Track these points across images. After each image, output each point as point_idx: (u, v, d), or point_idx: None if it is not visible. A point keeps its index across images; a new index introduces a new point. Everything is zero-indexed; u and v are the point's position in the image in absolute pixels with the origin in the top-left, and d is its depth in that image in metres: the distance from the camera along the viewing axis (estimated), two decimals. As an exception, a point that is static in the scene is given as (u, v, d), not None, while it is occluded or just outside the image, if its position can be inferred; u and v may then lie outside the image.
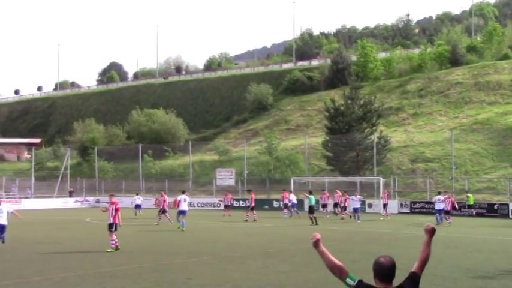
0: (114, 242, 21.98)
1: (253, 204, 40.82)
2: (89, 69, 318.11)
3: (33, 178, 70.79)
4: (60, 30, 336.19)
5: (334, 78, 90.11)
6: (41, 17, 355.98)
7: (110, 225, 22.44)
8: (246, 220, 39.07)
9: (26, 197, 65.07)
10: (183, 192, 34.48)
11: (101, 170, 76.16)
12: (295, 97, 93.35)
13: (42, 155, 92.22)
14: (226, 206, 46.82)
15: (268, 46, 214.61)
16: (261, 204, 53.33)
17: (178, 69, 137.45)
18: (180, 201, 33.18)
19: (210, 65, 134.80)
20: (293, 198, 45.07)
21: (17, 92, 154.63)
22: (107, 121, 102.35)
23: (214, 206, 56.90)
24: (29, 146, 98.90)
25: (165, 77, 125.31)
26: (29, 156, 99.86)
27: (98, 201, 63.10)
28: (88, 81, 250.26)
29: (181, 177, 71.31)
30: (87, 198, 67.29)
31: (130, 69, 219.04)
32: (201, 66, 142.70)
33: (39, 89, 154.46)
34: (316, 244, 5.87)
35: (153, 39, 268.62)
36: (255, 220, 38.92)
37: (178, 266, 18.05)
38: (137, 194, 51.17)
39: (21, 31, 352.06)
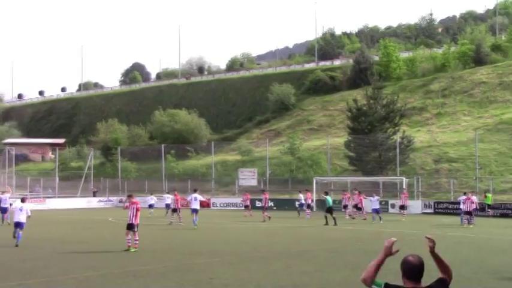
0: (136, 242, 21.97)
1: (266, 205, 41.20)
2: (112, 70, 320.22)
3: (57, 178, 71.34)
4: (84, 32, 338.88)
5: (356, 78, 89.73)
6: (65, 18, 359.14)
7: (131, 226, 22.31)
8: (264, 221, 39.09)
9: (48, 197, 65.58)
10: (195, 191, 35.38)
11: (124, 170, 76.58)
12: (317, 97, 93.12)
13: (66, 155, 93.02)
14: (246, 206, 46.39)
15: (290, 46, 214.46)
16: (283, 205, 53.33)
17: (201, 70, 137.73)
18: (191, 199, 34.60)
19: (232, 66, 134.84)
20: (301, 198, 45.99)
21: (41, 93, 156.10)
22: (129, 121, 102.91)
23: (236, 206, 56.88)
24: (53, 146, 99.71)
25: (188, 77, 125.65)
26: (53, 156, 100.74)
27: (121, 201, 63.43)
28: (111, 81, 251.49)
29: (203, 177, 71.43)
30: (110, 198, 67.72)
31: (153, 70, 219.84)
32: (223, 66, 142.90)
33: (63, 89, 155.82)
34: (388, 250, 5.72)
35: (175, 40, 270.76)
36: (264, 221, 38.97)
37: (201, 265, 18.06)
38: (151, 194, 52.49)
39: (45, 32, 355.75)
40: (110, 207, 63.64)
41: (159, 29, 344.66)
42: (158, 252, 21.84)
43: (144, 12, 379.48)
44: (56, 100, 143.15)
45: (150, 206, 47.71)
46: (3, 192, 40.71)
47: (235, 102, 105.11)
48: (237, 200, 57.82)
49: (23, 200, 26.67)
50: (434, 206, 49.28)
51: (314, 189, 50.92)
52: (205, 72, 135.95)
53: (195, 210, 33.66)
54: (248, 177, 63.58)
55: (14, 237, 24.62)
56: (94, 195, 68.37)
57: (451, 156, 62.01)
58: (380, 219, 37.86)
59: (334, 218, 34.92)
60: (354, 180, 56.05)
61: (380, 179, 55.54)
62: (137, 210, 22.45)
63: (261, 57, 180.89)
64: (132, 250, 21.68)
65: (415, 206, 49.74)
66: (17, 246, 23.52)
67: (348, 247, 22.26)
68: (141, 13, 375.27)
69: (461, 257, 19.86)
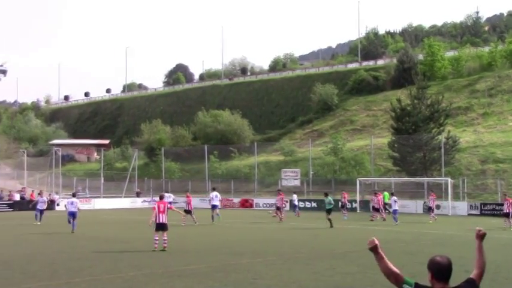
0: (164, 241, 22.04)
1: (280, 205, 41.19)
2: (156, 71, 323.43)
3: (102, 178, 72.40)
4: (128, 33, 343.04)
5: (400, 78, 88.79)
6: (110, 20, 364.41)
7: (162, 225, 22.29)
8: (281, 219, 39.41)
9: (94, 197, 66.58)
10: (214, 189, 40.30)
11: (168, 171, 77.28)
12: (360, 97, 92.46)
13: (111, 156, 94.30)
14: (278, 208, 42.64)
15: (333, 46, 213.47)
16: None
17: (244, 70, 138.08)
18: (212, 197, 38.99)
19: (275, 66, 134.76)
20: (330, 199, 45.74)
21: (86, 94, 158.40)
22: (173, 122, 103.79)
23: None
24: (99, 147, 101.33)
25: (230, 78, 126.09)
26: (98, 157, 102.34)
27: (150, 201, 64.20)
28: (155, 83, 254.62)
29: (246, 178, 71.64)
30: (154, 198, 68.40)
31: (196, 71, 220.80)
32: (266, 67, 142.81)
33: (107, 91, 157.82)
34: (374, 249, 5.65)
35: (218, 40, 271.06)
36: (280, 219, 39.28)
37: (244, 266, 18.15)
38: (166, 192, 53.85)
39: (91, 34, 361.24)
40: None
41: (202, 30, 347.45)
42: (201, 252, 22.00)
43: (187, 13, 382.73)
44: (100, 101, 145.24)
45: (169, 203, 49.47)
46: (40, 194, 41.91)
47: (278, 102, 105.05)
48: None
49: (74, 195, 34.74)
50: (481, 207, 48.49)
51: (358, 190, 50.63)
52: (248, 73, 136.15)
53: (215, 206, 38.32)
54: (291, 178, 63.61)
55: (70, 222, 31.22)
56: (138, 196, 69.14)
57: (498, 156, 60.91)
58: (395, 220, 37.10)
59: (329, 220, 34.07)
60: (398, 181, 55.54)
61: (424, 180, 54.91)
62: (168, 209, 22.70)
63: (303, 58, 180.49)
64: (156, 250, 21.80)
65: (461, 207, 49.02)
66: (73, 232, 29.87)
67: (391, 248, 22.03)
68: (184, 14, 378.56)
69: (497, 260, 19.53)
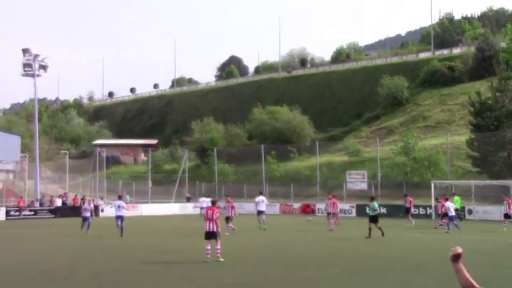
0: (218, 251, 21.98)
1: (332, 210, 40.10)
2: (207, 64, 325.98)
3: (150, 182, 73.23)
4: (177, 24, 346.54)
5: (479, 68, 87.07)
6: (156, 10, 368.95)
7: (211, 234, 22.20)
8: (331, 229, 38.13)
9: (133, 202, 67.38)
10: (260, 193, 40.91)
11: (221, 173, 77.63)
12: (434, 90, 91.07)
13: (159, 157, 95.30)
14: (329, 214, 40.80)
15: (403, 34, 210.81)
16: (397, 211, 52.43)
17: (303, 62, 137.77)
18: (258, 202, 39.42)
19: (338, 57, 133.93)
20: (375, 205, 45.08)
21: (132, 90, 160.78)
22: (226, 120, 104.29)
23: (345, 213, 56.37)
24: (146, 147, 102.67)
25: (289, 70, 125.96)
26: (145, 158, 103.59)
27: (218, 207, 64.42)
28: (206, 77, 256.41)
29: (307, 181, 71.36)
30: (196, 204, 68.72)
31: (250, 64, 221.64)
32: (327, 58, 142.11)
33: (155, 86, 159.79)
34: (456, 258, 5.57)
35: (275, 30, 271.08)
36: (331, 228, 38.28)
37: (306, 279, 17.95)
38: (208, 196, 55.10)
39: (135, 26, 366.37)
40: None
41: (257, 19, 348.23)
42: (257, 263, 21.90)
43: (241, 2, 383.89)
44: (147, 98, 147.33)
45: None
46: (83, 200, 42.32)
47: (342, 97, 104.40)
48: (346, 205, 57.36)
49: (120, 197, 37.48)
50: None
51: (432, 194, 49.78)
52: (308, 65, 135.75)
53: (261, 212, 39.01)
54: (357, 181, 63.04)
55: (118, 226, 34.01)
56: (188, 201, 69.55)
57: None
58: (457, 227, 36.28)
59: (380, 228, 32.25)
60: (479, 184, 54.35)
61: (509, 182, 53.55)
62: (217, 217, 22.35)
63: (369, 47, 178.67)
64: (221, 260, 21.76)
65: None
66: (122, 236, 32.99)
67: (473, 260, 21.49)
68: (238, 3, 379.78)
69: None
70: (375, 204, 33.76)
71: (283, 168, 77.47)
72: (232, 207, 37.05)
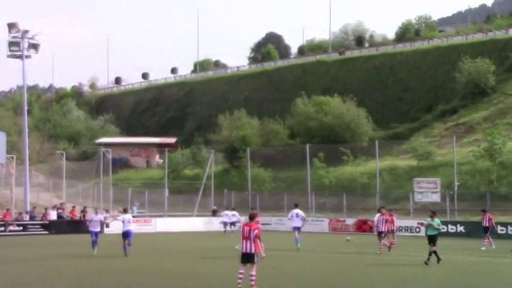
0: (252, 278, 21.88)
1: (384, 229, 39.47)
2: (238, 43, 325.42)
3: (166, 190, 73.50)
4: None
5: None
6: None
7: (248, 256, 22.08)
8: (388, 247, 39.05)
9: (155, 215, 67.74)
10: (296, 206, 41.77)
11: (255, 180, 77.68)
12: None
13: (178, 160, 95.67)
14: (381, 233, 39.90)
15: (489, 4, 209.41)
16: (479, 230, 52.04)
17: (359, 41, 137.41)
18: (292, 216, 40.93)
19: (404, 34, 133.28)
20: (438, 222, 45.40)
21: (145, 76, 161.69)
22: (262, 113, 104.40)
23: (412, 231, 56.16)
24: (161, 147, 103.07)
25: (341, 51, 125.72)
26: (161, 161, 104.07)
27: (258, 222, 64.50)
28: (237, 59, 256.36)
29: (364, 190, 71.19)
30: (224, 220, 68.83)
31: (293, 43, 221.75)
32: (390, 35, 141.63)
33: (173, 71, 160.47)
34: None
35: (325, 0, 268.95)
36: (388, 247, 38.99)
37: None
38: (233, 209, 59.35)
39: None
40: (237, 230, 64.80)
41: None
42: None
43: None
44: (163, 85, 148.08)
45: (232, 223, 58.08)
46: (84, 212, 42.36)
47: (409, 85, 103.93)
48: (412, 222, 57.05)
49: (125, 211, 39.15)
50: None
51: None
52: (366, 44, 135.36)
53: (297, 228, 40.31)
54: (428, 191, 62.73)
55: (128, 244, 34.96)
56: (214, 215, 69.63)
57: None
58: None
59: (433, 253, 31.60)
60: None
61: None
62: (256, 236, 22.01)
63: (445, 21, 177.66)
64: None
65: None
66: (126, 256, 34.05)
67: None
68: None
69: None
70: (438, 221, 33.05)
71: (334, 175, 77.35)
72: (257, 223, 36.27)
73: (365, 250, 39.57)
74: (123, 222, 35.77)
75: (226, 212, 60.84)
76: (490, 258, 35.25)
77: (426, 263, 31.07)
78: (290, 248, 39.25)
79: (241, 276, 21.92)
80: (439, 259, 31.28)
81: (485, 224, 43.63)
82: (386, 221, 39.69)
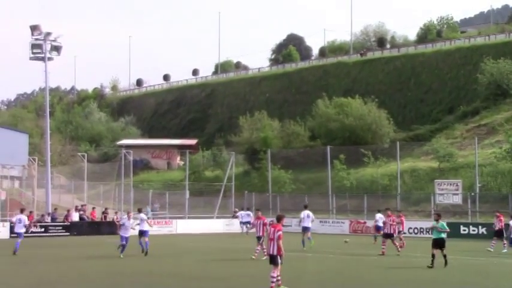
0: (277, 280, 22.02)
1: (390, 231, 39.19)
2: (259, 45, 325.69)
3: (187, 192, 73.68)
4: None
5: None
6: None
7: (272, 258, 22.15)
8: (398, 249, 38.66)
9: (166, 217, 68.00)
10: (305, 208, 43.98)
11: (276, 182, 77.74)
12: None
13: (199, 161, 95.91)
14: (387, 236, 39.71)
15: (511, 5, 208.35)
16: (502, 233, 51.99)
17: (381, 42, 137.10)
18: (303, 218, 42.64)
19: (426, 35, 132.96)
20: (379, 219, 46.78)
21: (166, 78, 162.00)
22: (283, 115, 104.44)
23: (431, 234, 56.06)
24: (182, 149, 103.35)
25: (363, 52, 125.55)
26: (182, 162, 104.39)
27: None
28: (258, 61, 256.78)
29: (385, 192, 71.03)
30: (243, 220, 69.03)
31: (314, 44, 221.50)
32: (412, 36, 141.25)
33: (194, 73, 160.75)
34: None
35: (346, 2, 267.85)
36: (398, 249, 38.54)
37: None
38: (248, 209, 60.84)
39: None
40: (252, 230, 64.98)
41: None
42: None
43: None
44: (185, 87, 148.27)
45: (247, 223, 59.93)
46: (128, 215, 41.08)
47: (430, 86, 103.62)
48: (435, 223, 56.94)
49: (139, 211, 41.65)
50: None
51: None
52: (388, 45, 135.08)
53: (306, 229, 42.31)
54: (449, 193, 62.59)
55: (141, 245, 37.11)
56: (234, 217, 69.70)
57: None
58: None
59: (444, 256, 31.22)
60: None
61: None
62: (279, 237, 22.03)
63: (467, 22, 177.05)
64: None
65: None
66: (146, 254, 36.21)
67: None
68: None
69: None
70: (443, 224, 32.64)
71: (355, 176, 77.24)
72: (264, 225, 35.34)
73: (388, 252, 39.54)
74: (142, 221, 38.62)
75: (242, 212, 61.86)
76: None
77: (430, 267, 30.53)
78: (310, 250, 39.36)
79: (274, 279, 21.98)
80: (446, 263, 30.89)
81: (498, 225, 43.38)
82: (394, 220, 39.69)
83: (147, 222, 39.59)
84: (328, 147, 74.16)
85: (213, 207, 72.28)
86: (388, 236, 38.74)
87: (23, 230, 39.74)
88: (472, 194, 61.84)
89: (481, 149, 69.28)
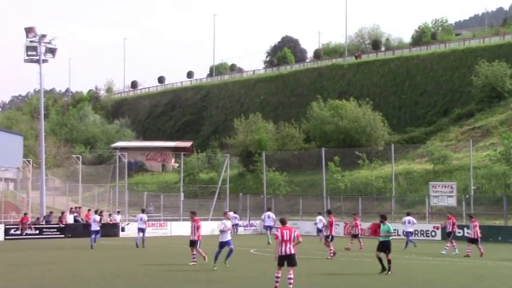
0: (290, 281, 22.27)
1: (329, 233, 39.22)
2: (254, 47, 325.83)
3: (182, 194, 73.70)
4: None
5: None
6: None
7: (290, 258, 22.65)
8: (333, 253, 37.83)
9: (160, 219, 67.97)
10: (269, 210, 50.10)
11: (271, 184, 77.76)
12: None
13: (194, 164, 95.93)
14: (354, 236, 44.30)
15: (506, 7, 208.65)
16: (496, 234, 52.14)
17: (375, 45, 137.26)
18: (265, 217, 48.55)
19: (420, 38, 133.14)
20: (320, 220, 50.70)
21: (161, 80, 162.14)
22: (278, 117, 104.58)
23: (427, 235, 56.17)
24: (177, 151, 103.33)
25: (358, 55, 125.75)
26: (176, 165, 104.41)
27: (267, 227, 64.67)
28: (253, 63, 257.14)
29: (379, 194, 71.12)
30: (252, 221, 69.06)
31: (309, 46, 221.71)
32: (407, 39, 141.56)
33: (189, 75, 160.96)
34: None
35: (341, 3, 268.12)
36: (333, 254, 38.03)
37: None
38: (234, 212, 61.37)
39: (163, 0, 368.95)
40: (252, 234, 65.02)
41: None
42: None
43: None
44: (179, 89, 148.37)
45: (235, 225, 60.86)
46: (101, 213, 47.10)
47: (425, 89, 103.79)
48: (428, 226, 57.15)
49: (143, 211, 46.67)
50: None
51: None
52: (382, 48, 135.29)
53: (268, 227, 49.08)
54: (443, 195, 62.61)
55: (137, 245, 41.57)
56: (229, 219, 69.70)
57: None
58: (407, 244, 44.03)
59: (389, 261, 29.28)
60: None
61: None
62: (297, 237, 22.69)
63: (461, 25, 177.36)
64: None
65: None
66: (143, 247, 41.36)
67: None
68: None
69: None
70: (389, 226, 31.45)
71: (349, 179, 77.32)
72: (198, 227, 34.69)
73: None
74: (141, 219, 44.48)
75: (267, 213, 62.11)
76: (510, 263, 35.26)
77: (380, 273, 29.01)
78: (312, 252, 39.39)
79: (278, 279, 22.59)
80: (389, 270, 28.98)
81: (449, 228, 43.25)
82: (356, 224, 43.80)
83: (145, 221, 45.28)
84: (323, 150, 74.14)
85: (208, 209, 72.23)
86: (329, 237, 38.47)
87: (97, 228, 46.23)
88: (467, 196, 61.88)
89: (476, 152, 69.41)
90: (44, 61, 67.42)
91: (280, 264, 22.55)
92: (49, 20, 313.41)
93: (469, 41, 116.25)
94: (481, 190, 64.91)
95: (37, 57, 66.96)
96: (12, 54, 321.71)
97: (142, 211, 47.65)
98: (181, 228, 64.51)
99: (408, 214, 47.02)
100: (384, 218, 32.00)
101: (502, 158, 67.59)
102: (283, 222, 23.71)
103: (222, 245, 32.47)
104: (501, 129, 79.79)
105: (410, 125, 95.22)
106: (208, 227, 66.37)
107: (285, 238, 22.58)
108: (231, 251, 31.89)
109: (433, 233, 55.53)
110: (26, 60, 68.16)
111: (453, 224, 43.08)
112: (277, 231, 22.98)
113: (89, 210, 66.59)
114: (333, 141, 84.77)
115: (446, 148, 79.40)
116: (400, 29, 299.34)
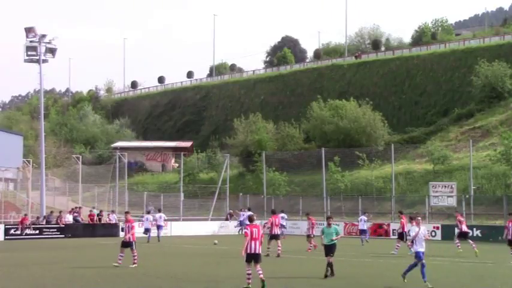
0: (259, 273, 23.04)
1: (310, 233, 42.01)
2: (254, 47, 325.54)
3: (182, 194, 73.69)
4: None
5: None
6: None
7: (255, 256, 23.45)
8: (309, 249, 40.90)
9: (171, 219, 67.98)
10: (249, 209, 51.74)
11: (271, 184, 77.73)
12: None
13: (194, 164, 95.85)
14: (309, 236, 42.87)
15: (506, 7, 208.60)
16: (496, 234, 52.07)
17: (375, 44, 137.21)
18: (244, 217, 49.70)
19: (420, 38, 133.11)
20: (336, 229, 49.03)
21: (161, 80, 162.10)
22: (278, 117, 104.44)
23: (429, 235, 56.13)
24: (177, 151, 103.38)
25: (358, 55, 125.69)
26: (176, 165, 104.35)
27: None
28: (253, 63, 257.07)
29: (379, 194, 71.07)
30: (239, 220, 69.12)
31: (309, 46, 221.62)
32: (407, 39, 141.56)
33: (189, 75, 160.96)
34: None
35: (340, 4, 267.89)
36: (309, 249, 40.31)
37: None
38: (249, 210, 59.85)
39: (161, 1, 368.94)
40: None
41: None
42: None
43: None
44: (179, 89, 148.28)
45: (241, 223, 60.36)
46: (149, 212, 51.40)
47: (425, 89, 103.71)
48: (429, 226, 57.04)
49: (148, 212, 53.30)
50: None
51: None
52: (382, 48, 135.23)
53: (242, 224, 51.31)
54: (443, 195, 62.58)
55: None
56: (229, 218, 69.69)
57: None
58: (361, 241, 46.85)
59: (330, 265, 27.91)
60: None
61: None
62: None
63: (461, 25, 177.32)
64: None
65: None
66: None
67: None
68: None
69: None
70: (337, 228, 29.59)
71: (349, 179, 77.25)
72: (132, 228, 33.42)
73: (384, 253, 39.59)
74: (147, 220, 52.02)
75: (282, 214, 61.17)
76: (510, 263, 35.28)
77: (326, 276, 27.62)
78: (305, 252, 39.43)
79: (249, 276, 23.39)
80: (332, 273, 27.77)
81: (402, 229, 43.13)
82: (312, 224, 43.17)
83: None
84: (323, 150, 74.14)
85: (208, 209, 72.24)
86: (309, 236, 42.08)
87: (150, 227, 53.15)
88: (467, 196, 61.84)
89: (476, 152, 69.34)
90: (44, 61, 67.40)
91: (248, 261, 23.54)
92: (49, 20, 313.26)
93: (469, 41, 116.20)
94: (481, 190, 64.86)
95: (37, 57, 66.95)
96: (12, 54, 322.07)
97: (159, 210, 56.53)
98: (182, 228, 64.67)
99: (249, 209, 51.58)
100: (330, 219, 29.75)
101: (502, 158, 67.51)
102: (251, 220, 25.13)
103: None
104: (501, 129, 79.61)
105: (410, 125, 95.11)
106: (209, 227, 66.50)
107: (254, 236, 23.52)
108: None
109: (433, 233, 55.46)
110: (26, 60, 68.15)
111: (460, 222, 43.02)
112: (246, 229, 24.12)
113: (91, 210, 66.69)
114: (333, 141, 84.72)
115: (446, 148, 79.32)
116: (400, 29, 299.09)
